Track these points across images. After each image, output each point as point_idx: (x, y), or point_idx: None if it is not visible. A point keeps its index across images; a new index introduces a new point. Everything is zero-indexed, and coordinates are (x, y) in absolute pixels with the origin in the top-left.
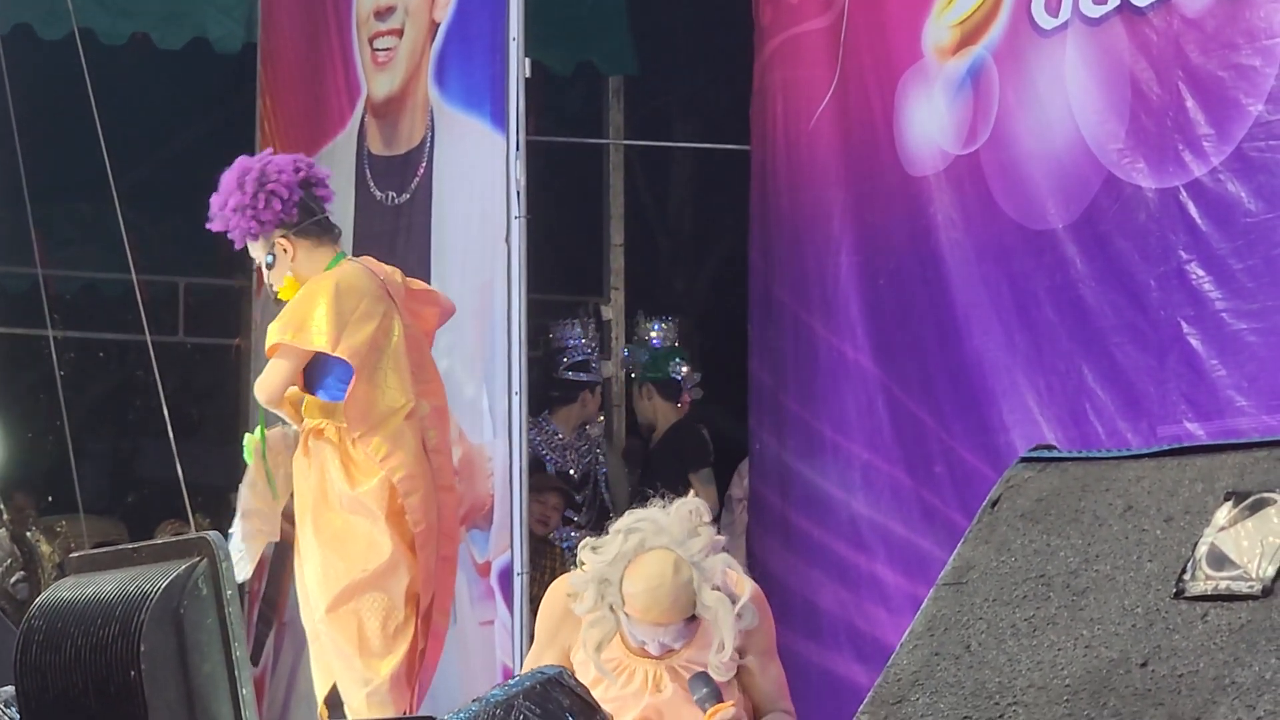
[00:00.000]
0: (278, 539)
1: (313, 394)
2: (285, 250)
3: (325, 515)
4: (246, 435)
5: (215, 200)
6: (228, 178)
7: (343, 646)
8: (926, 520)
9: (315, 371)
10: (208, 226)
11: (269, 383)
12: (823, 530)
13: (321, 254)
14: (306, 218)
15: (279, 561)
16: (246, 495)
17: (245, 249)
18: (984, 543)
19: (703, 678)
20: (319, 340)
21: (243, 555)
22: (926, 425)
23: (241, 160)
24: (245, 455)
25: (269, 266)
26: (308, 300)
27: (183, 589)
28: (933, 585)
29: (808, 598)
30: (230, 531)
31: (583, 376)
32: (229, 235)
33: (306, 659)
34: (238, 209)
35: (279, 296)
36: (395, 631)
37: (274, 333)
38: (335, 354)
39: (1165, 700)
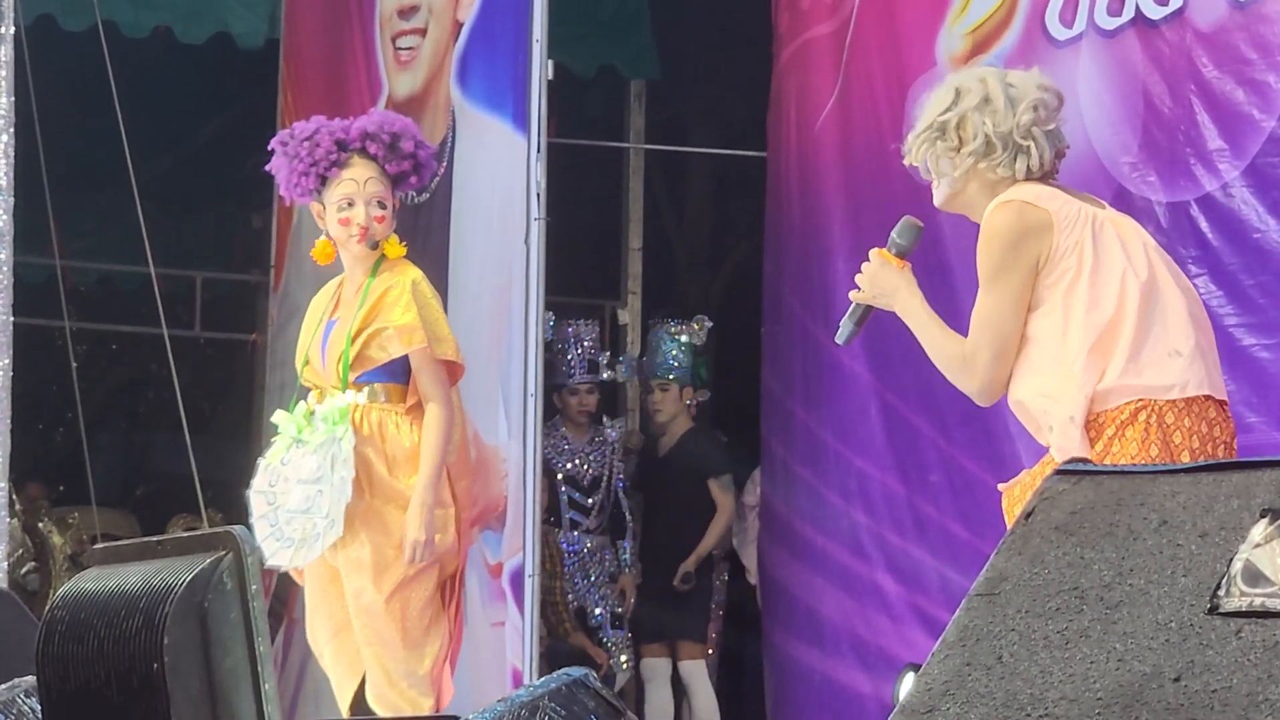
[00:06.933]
0: None
1: (353, 381)
2: (396, 208)
3: (372, 504)
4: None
5: (400, 122)
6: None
7: (389, 637)
8: (919, 529)
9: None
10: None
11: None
12: (825, 538)
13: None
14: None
15: None
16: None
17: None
18: (1017, 554)
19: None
20: (458, 354)
21: (332, 521)
22: (922, 433)
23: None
24: (336, 421)
25: (380, 206)
26: (432, 308)
27: (207, 583)
28: (925, 593)
29: (811, 605)
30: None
31: (601, 378)
32: (371, 150)
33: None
34: (412, 151)
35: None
36: (431, 622)
37: (414, 336)
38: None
39: (1198, 715)
